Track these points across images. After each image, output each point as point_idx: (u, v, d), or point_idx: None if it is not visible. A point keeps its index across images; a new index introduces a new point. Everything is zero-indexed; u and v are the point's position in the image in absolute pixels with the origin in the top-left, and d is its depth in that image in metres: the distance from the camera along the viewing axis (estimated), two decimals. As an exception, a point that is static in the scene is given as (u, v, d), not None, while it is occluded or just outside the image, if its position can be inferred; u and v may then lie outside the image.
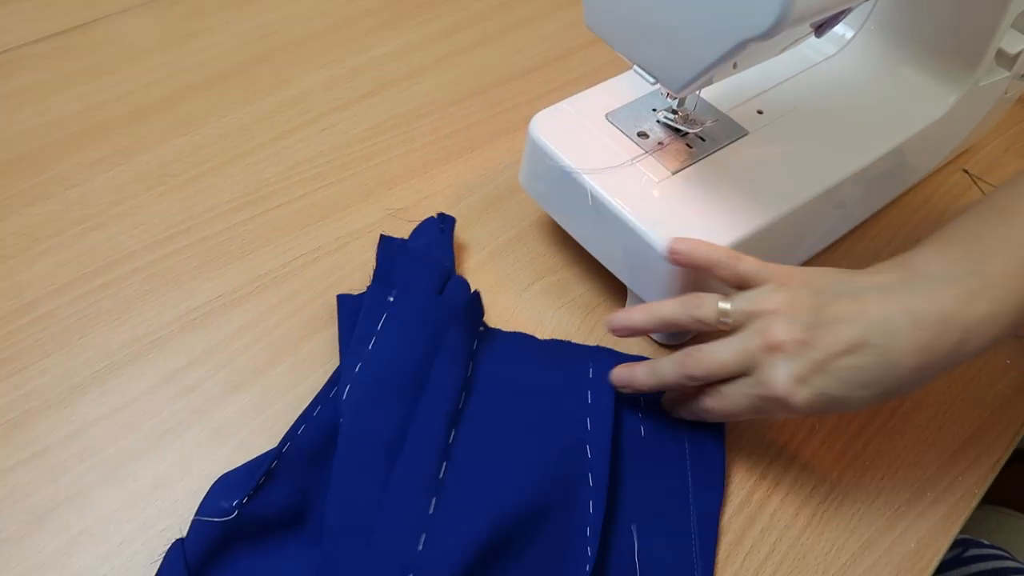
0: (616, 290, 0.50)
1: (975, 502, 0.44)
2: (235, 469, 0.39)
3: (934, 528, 0.43)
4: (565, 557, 0.37)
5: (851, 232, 0.57)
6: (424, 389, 0.41)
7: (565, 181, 0.47)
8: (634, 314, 0.42)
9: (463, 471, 0.39)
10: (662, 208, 0.45)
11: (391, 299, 0.45)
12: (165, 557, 0.36)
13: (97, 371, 0.44)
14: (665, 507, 0.40)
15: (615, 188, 0.45)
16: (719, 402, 0.40)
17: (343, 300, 0.46)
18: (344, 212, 0.53)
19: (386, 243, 0.50)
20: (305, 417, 0.42)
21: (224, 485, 0.39)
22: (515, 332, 0.47)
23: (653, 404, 0.45)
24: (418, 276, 0.47)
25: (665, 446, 0.43)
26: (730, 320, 0.39)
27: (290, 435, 0.41)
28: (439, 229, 0.51)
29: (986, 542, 0.67)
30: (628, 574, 0.38)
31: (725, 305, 0.39)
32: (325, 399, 0.43)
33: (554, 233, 0.54)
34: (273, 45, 0.65)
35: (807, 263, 0.55)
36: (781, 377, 0.36)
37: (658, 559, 0.39)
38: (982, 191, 0.62)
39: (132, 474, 0.40)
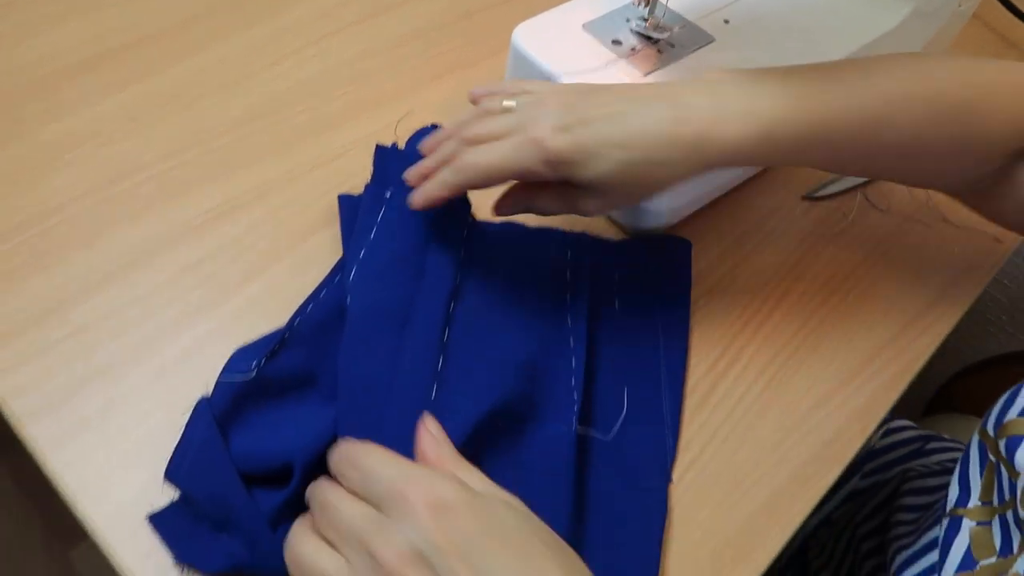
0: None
1: (922, 363, 0.49)
2: (250, 343, 0.44)
3: (884, 384, 0.48)
4: (554, 405, 0.42)
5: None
6: (424, 270, 0.46)
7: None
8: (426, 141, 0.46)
9: (463, 337, 0.43)
10: (634, 105, 0.49)
11: (388, 195, 0.49)
12: (193, 411, 0.40)
13: (122, 264, 0.48)
14: (639, 365, 0.45)
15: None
16: (483, 153, 0.41)
17: (343, 199, 0.51)
18: (340, 127, 0.57)
19: (381, 151, 0.54)
20: (312, 298, 0.46)
21: (242, 354, 0.43)
22: (501, 222, 0.52)
23: (625, 283, 0.49)
24: None
25: (637, 316, 0.47)
26: (513, 106, 0.43)
27: (299, 312, 0.45)
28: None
29: (946, 436, 0.72)
30: (611, 419, 0.43)
31: (510, 102, 0.43)
32: (330, 283, 0.47)
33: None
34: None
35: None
36: (544, 123, 0.39)
37: (634, 409, 0.44)
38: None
39: (159, 350, 0.45)
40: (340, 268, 0.48)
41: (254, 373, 0.41)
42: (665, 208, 0.51)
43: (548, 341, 0.45)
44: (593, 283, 0.48)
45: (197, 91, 0.58)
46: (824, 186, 0.58)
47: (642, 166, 0.40)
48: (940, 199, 0.58)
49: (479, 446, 0.40)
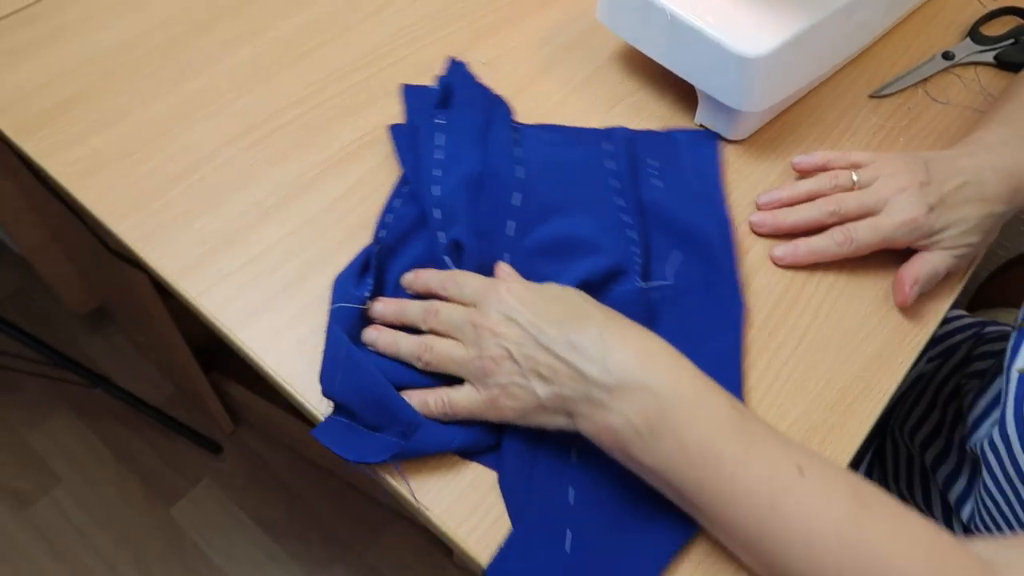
0: (686, 101, 0.60)
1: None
2: (344, 269, 0.49)
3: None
4: (620, 270, 0.49)
5: (877, 41, 0.66)
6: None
7: (642, 7, 0.56)
8: (782, 191, 0.55)
9: (529, 216, 0.51)
10: (727, 17, 0.54)
11: (443, 121, 0.55)
12: (327, 334, 0.46)
13: (281, 197, 0.54)
14: (689, 226, 0.52)
15: (688, 5, 0.54)
16: (867, 231, 0.50)
17: (394, 128, 0.57)
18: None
19: (410, 89, 0.60)
20: (381, 226, 0.52)
21: (343, 281, 0.48)
22: (540, 125, 0.58)
23: (664, 165, 0.56)
24: (474, 93, 0.58)
25: (678, 189, 0.55)
26: (859, 181, 0.52)
27: (376, 240, 0.51)
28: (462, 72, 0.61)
29: (1001, 321, 0.78)
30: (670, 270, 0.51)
31: (855, 176, 0.53)
32: (392, 208, 0.53)
33: (628, 63, 0.63)
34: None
35: (844, 66, 0.65)
36: (916, 205, 0.50)
37: (690, 256, 0.52)
38: (983, 4, 0.71)
39: (332, 263, 0.51)
40: (400, 189, 0.54)
41: (367, 303, 0.47)
42: (753, 114, 0.57)
43: (604, 221, 0.51)
44: (635, 167, 0.55)
45: (308, 43, 0.63)
46: (887, 85, 0.64)
47: (992, 223, 0.51)
48: (994, 89, 0.64)
49: None
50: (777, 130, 0.61)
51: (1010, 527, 0.51)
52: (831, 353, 0.49)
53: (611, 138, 0.57)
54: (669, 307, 0.50)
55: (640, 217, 0.52)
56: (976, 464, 0.56)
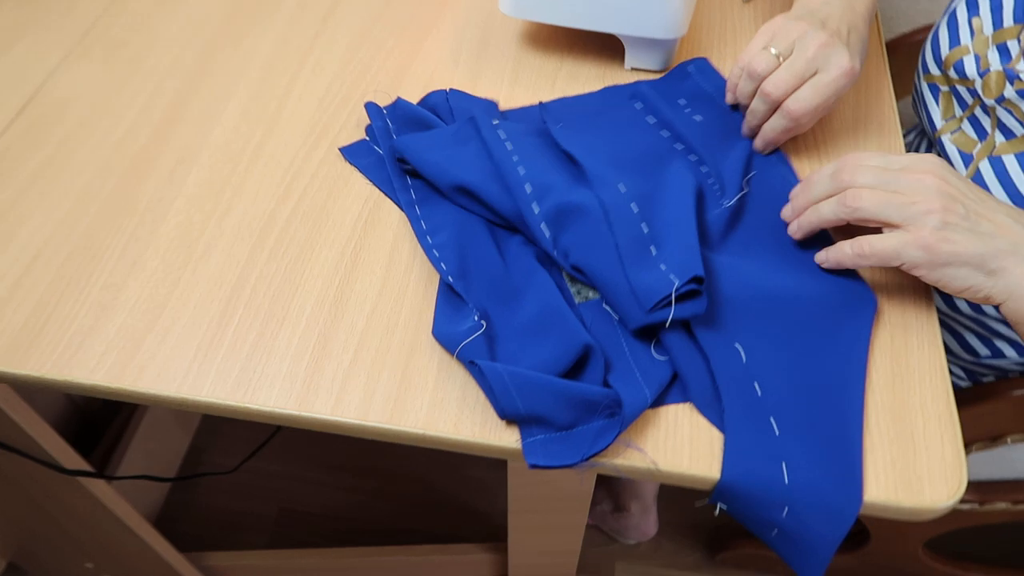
0: (610, 53, 0.67)
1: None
2: (437, 313, 0.50)
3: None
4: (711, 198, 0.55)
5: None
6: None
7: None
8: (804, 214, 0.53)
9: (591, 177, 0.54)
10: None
11: (496, 121, 0.57)
12: (472, 366, 0.46)
13: (338, 285, 0.52)
14: (738, 140, 0.60)
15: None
16: (868, 201, 0.47)
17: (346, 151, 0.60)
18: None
19: (371, 110, 0.62)
20: (425, 245, 0.54)
21: (444, 321, 0.49)
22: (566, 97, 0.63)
23: (689, 99, 0.63)
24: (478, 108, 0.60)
25: (712, 114, 0.62)
26: (780, 52, 0.55)
27: (441, 270, 0.52)
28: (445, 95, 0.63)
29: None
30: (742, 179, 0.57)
31: (773, 50, 0.55)
32: (423, 233, 0.55)
33: (538, 43, 0.69)
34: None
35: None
36: (845, 55, 0.53)
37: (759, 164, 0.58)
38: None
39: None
40: (413, 214, 0.56)
41: (483, 324, 0.48)
42: (672, 42, 0.64)
43: (678, 169, 0.56)
44: (673, 113, 0.61)
45: (248, 145, 0.61)
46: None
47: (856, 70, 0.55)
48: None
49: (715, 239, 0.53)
50: (688, 52, 0.68)
51: None
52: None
53: (638, 96, 0.62)
54: (751, 209, 0.56)
55: (701, 151, 0.58)
56: None
